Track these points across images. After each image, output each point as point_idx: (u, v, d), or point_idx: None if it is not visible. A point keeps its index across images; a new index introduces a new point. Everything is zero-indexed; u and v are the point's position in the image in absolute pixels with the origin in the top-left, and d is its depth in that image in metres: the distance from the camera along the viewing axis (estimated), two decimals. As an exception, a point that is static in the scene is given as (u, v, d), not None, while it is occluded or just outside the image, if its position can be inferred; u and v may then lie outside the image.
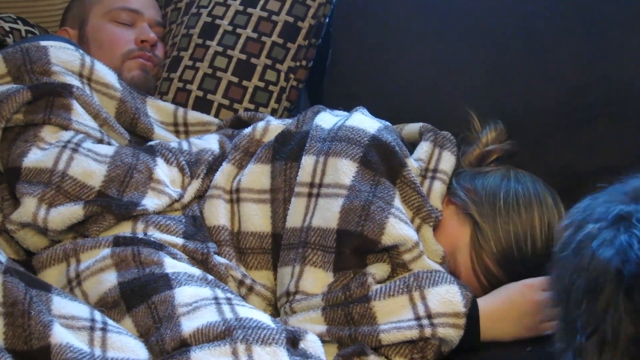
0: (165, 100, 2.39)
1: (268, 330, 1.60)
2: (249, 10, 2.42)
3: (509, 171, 2.02)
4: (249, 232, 1.97)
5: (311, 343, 1.64)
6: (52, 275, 1.84)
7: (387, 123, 2.05)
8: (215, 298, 1.70)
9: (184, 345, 1.60)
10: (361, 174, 1.89)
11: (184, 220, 1.96)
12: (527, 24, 2.21)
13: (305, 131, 2.02)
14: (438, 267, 1.89)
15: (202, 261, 1.88)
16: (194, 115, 2.32)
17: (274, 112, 2.39)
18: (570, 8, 2.17)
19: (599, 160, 2.13)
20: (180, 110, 2.31)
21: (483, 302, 1.83)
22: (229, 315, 1.65)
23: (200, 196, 2.05)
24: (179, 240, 1.89)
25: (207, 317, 1.64)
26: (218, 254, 1.94)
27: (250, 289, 1.92)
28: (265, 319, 1.67)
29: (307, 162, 1.94)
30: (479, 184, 1.99)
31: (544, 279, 1.87)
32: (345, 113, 2.10)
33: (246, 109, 2.37)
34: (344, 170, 1.90)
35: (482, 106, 2.16)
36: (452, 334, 1.76)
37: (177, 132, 2.29)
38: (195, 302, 1.68)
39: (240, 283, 1.92)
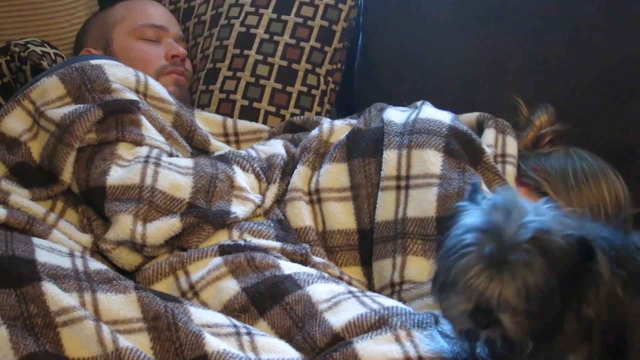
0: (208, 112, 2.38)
1: (420, 315, 1.64)
2: (283, 17, 2.45)
3: (568, 150, 2.11)
4: (335, 230, 2.00)
5: (446, 325, 1.68)
6: (161, 289, 1.82)
7: (454, 114, 2.11)
8: (350, 292, 1.73)
9: (338, 339, 1.61)
10: (447, 162, 1.95)
11: (272, 224, 1.98)
12: (567, 8, 2.31)
13: (377, 127, 2.07)
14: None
15: (301, 262, 1.90)
16: (244, 124, 2.34)
17: (317, 115, 2.41)
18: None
19: (641, 135, 2.24)
20: (229, 120, 2.33)
21: None
22: (374, 305, 1.67)
23: (279, 200, 2.07)
24: (277, 244, 1.91)
25: (353, 310, 1.66)
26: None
27: (349, 285, 1.95)
28: (402, 305, 1.71)
29: (390, 156, 1.98)
30: (546, 164, 2.08)
31: None
32: (408, 108, 2.16)
33: (292, 114, 2.40)
34: (431, 160, 1.95)
35: (526, 92, 2.24)
36: None
37: (228, 142, 2.29)
38: (333, 297, 1.71)
39: (340, 280, 1.94)
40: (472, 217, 1.43)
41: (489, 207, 1.42)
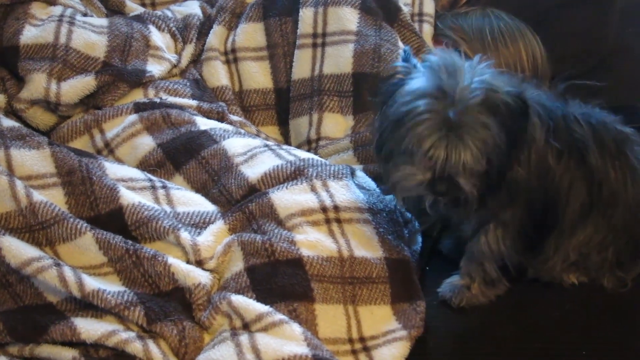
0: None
1: (335, 167, 1.66)
2: None
3: (485, 10, 2.11)
4: (252, 89, 2.01)
5: (362, 178, 1.70)
6: (76, 147, 1.82)
7: None
8: (267, 145, 1.74)
9: (254, 190, 1.63)
10: (364, 19, 1.95)
11: (188, 83, 1.98)
12: None
13: None
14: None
15: (218, 119, 1.90)
16: (161, -13, 2.30)
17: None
18: None
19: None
20: None
21: None
22: (290, 157, 1.69)
23: (195, 60, 2.06)
24: (193, 102, 1.91)
25: (268, 162, 1.68)
26: None
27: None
28: (318, 157, 1.73)
29: (306, 14, 1.98)
30: (464, 23, 2.08)
31: None
32: None
33: (211, -24, 2.35)
34: (347, 17, 1.95)
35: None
36: None
37: (143, 6, 2.26)
38: (249, 150, 1.72)
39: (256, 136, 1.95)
40: (418, 82, 1.41)
41: (433, 70, 1.41)
